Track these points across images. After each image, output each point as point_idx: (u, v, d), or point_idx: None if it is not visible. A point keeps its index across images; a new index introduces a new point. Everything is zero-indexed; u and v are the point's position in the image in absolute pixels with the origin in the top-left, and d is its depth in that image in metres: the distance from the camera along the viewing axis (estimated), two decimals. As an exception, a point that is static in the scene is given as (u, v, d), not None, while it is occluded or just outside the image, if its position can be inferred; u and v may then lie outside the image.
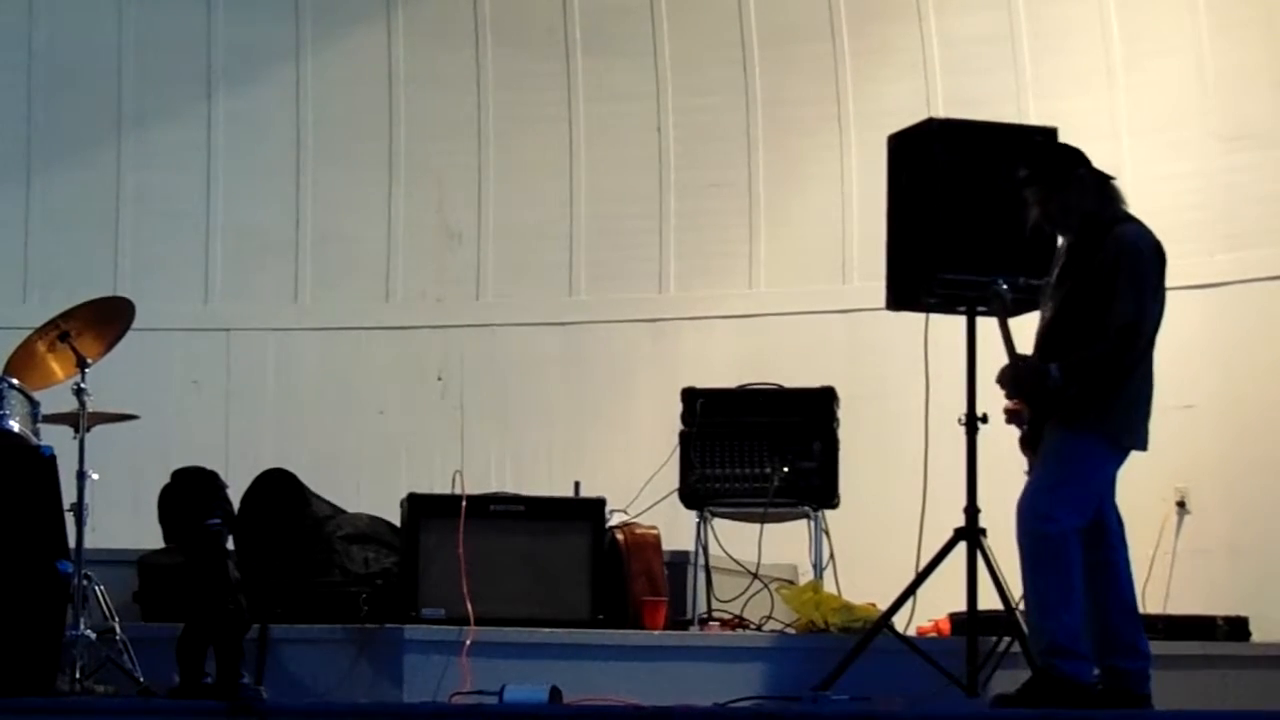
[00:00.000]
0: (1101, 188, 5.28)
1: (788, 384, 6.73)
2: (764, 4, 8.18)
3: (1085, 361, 5.15)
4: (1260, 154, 7.20)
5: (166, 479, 5.89)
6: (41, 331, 6.03)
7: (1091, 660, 5.17)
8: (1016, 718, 5.16)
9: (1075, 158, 5.32)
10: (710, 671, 5.89)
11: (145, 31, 8.37)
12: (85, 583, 5.78)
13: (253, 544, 6.19)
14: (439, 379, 8.34)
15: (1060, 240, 5.36)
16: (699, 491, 6.56)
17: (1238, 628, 6.49)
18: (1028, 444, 5.34)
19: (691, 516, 6.59)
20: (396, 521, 6.37)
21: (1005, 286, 5.37)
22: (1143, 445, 5.25)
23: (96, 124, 8.34)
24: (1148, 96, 7.50)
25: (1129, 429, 5.22)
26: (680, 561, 6.57)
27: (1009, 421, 5.42)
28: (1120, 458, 5.26)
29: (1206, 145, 7.33)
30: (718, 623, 6.45)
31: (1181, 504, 7.16)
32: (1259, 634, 6.55)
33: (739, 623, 6.46)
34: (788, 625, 6.37)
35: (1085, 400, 5.16)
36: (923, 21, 7.92)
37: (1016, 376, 5.26)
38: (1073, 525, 5.14)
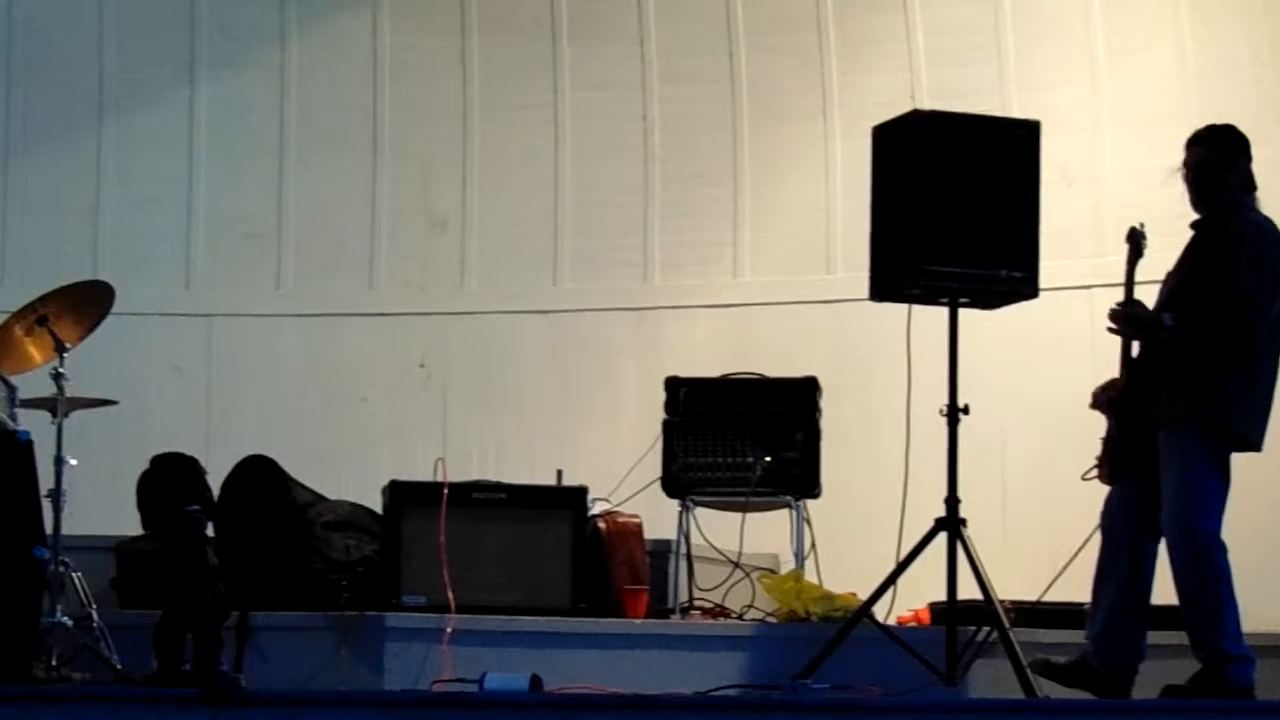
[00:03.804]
0: (1249, 186, 5.39)
1: (771, 374, 6.74)
2: (751, -6, 8.18)
3: (1199, 324, 5.19)
4: (1242, 148, 7.21)
5: (146, 465, 5.88)
6: (19, 315, 6.01)
7: (1252, 659, 5.20)
8: (994, 705, 5.17)
9: (1246, 147, 5.43)
10: (691, 660, 5.89)
11: (127, 14, 8.31)
12: (62, 569, 5.77)
13: (233, 531, 6.19)
14: (422, 366, 8.32)
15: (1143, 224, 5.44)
16: (681, 480, 6.57)
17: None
18: (1110, 405, 5.37)
19: (673, 505, 6.60)
20: (378, 509, 6.37)
21: (1142, 225, 5.43)
22: (1259, 443, 5.27)
23: (77, 107, 8.30)
24: (1130, 89, 7.50)
25: (1252, 424, 5.23)
26: (662, 550, 6.57)
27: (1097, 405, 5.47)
28: (1237, 449, 5.27)
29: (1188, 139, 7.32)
30: (699, 611, 6.46)
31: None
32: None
33: (720, 612, 6.47)
34: (769, 614, 6.38)
35: (1213, 394, 5.17)
36: (908, 13, 7.91)
37: (1131, 316, 5.30)
38: (1215, 528, 5.18)
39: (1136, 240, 5.44)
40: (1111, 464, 5.39)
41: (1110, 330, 5.38)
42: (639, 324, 8.21)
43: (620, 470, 6.74)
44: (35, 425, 5.81)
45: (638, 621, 6.16)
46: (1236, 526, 5.32)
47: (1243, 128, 7.19)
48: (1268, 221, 5.34)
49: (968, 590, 5.65)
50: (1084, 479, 5.45)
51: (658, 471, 6.61)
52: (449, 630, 5.75)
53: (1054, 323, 7.12)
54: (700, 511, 6.59)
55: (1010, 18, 7.72)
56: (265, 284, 8.38)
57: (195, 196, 8.35)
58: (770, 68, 8.15)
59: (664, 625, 6.21)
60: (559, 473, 6.60)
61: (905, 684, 5.51)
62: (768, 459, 6.51)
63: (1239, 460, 5.31)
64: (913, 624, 6.35)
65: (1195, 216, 5.44)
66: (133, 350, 7.94)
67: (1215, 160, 5.37)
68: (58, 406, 5.88)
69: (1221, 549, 5.20)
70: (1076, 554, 5.49)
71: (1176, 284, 5.35)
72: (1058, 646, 5.70)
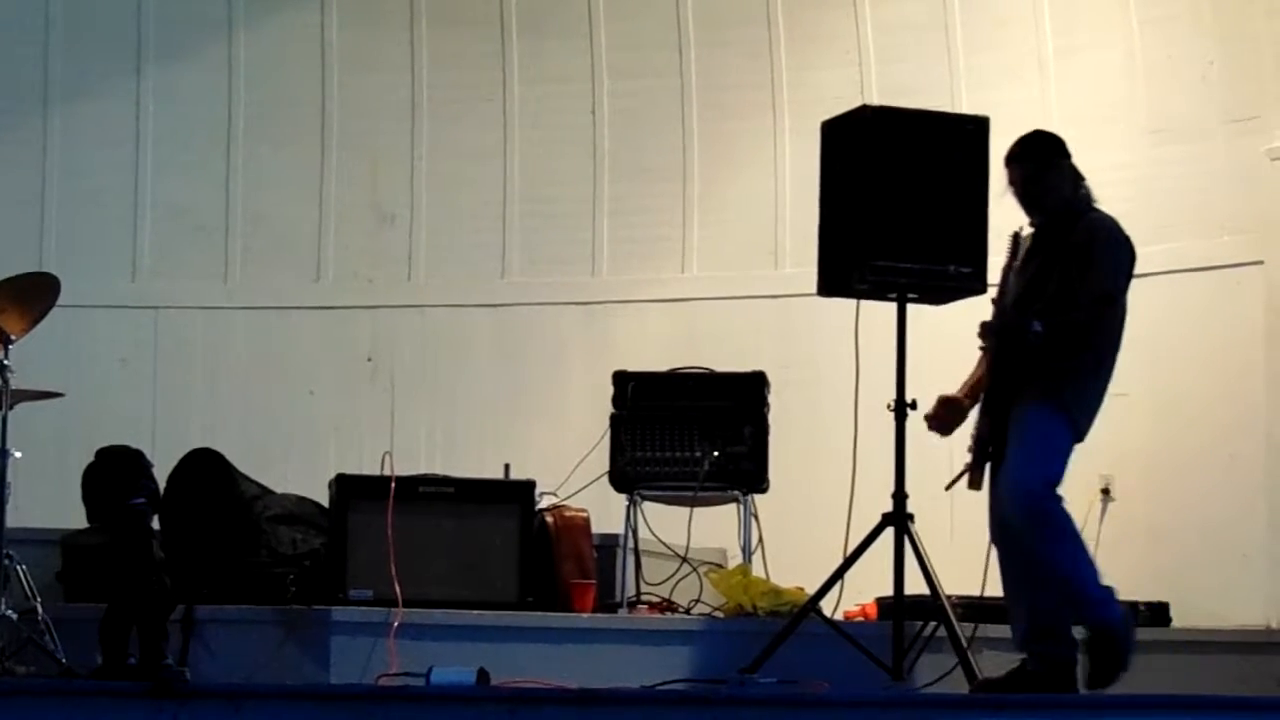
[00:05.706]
0: (1078, 181, 5.41)
1: (719, 368, 6.75)
2: (700, -12, 8.19)
3: (1066, 324, 5.21)
4: (1188, 147, 7.27)
5: (91, 458, 5.83)
6: (-36, 307, 5.95)
7: (1112, 595, 5.22)
8: (941, 700, 5.20)
9: (1061, 146, 5.44)
10: (638, 654, 5.90)
11: (74, 4, 8.26)
12: (7, 562, 5.71)
13: (179, 524, 6.15)
14: (369, 360, 8.30)
15: (1024, 230, 5.41)
16: (629, 475, 6.57)
17: (1158, 613, 6.57)
18: (977, 472, 5.32)
19: (621, 500, 6.60)
20: (325, 502, 6.34)
21: (1022, 228, 5.41)
22: (1085, 433, 5.31)
23: (22, 98, 8.23)
24: (1078, 88, 7.55)
25: (1087, 418, 5.28)
26: (609, 544, 6.58)
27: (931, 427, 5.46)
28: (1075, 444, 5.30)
29: (1136, 137, 7.39)
30: (646, 606, 6.47)
31: (1106, 491, 7.22)
32: (1179, 619, 6.62)
33: (667, 606, 6.48)
34: (716, 609, 6.39)
35: (1063, 379, 5.21)
36: (858, 9, 7.94)
37: (1004, 329, 5.29)
38: (1051, 483, 5.19)
39: (1017, 245, 5.44)
40: (985, 468, 5.36)
41: (980, 348, 5.35)
42: (587, 318, 8.21)
43: (568, 464, 6.74)
44: (-22, 418, 5.76)
45: (585, 616, 6.16)
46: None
47: (1190, 126, 7.31)
48: (1113, 220, 5.37)
49: (915, 585, 5.68)
50: (946, 490, 5.43)
51: (605, 466, 6.61)
52: (395, 624, 5.74)
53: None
54: (648, 506, 6.60)
55: (959, 15, 7.77)
56: (212, 276, 8.34)
57: (141, 188, 8.30)
58: (720, 63, 8.17)
59: (611, 620, 6.22)
60: (506, 467, 6.59)
61: (852, 678, 5.54)
62: (715, 453, 6.52)
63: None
64: (860, 619, 6.38)
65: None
66: (78, 342, 7.90)
67: (1033, 173, 5.37)
68: (1, 399, 5.82)
69: (1058, 500, 5.17)
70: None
71: (1024, 287, 5.34)
72: (1005, 641, 5.72)
